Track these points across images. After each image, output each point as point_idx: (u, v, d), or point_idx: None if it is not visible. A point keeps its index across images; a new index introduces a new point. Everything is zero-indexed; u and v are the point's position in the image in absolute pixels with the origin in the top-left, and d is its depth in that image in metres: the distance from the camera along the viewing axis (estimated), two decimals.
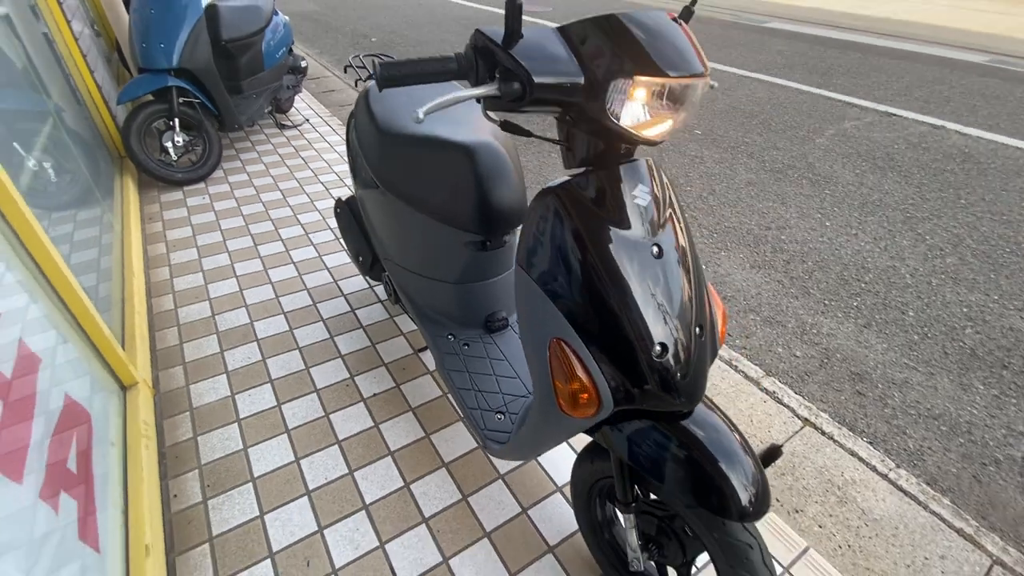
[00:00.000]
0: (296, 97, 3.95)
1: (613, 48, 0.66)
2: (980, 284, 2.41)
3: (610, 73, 0.66)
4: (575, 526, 1.26)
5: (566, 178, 0.79)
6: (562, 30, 0.70)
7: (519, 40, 0.66)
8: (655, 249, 0.77)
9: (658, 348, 0.76)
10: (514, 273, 0.84)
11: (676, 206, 0.84)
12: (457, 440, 1.46)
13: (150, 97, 2.62)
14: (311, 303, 1.95)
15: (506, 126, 0.78)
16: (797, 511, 1.50)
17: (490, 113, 0.72)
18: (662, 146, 3.76)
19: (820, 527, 1.47)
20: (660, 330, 0.76)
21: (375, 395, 1.58)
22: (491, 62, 0.68)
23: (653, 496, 1.03)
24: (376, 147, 1.31)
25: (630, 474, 0.92)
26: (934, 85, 5.07)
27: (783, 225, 2.86)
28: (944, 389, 1.91)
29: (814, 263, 2.56)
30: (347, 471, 1.36)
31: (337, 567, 1.15)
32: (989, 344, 2.09)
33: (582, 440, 1.49)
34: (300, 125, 3.67)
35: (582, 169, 0.79)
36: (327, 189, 2.81)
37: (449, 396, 1.59)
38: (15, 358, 0.95)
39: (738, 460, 0.78)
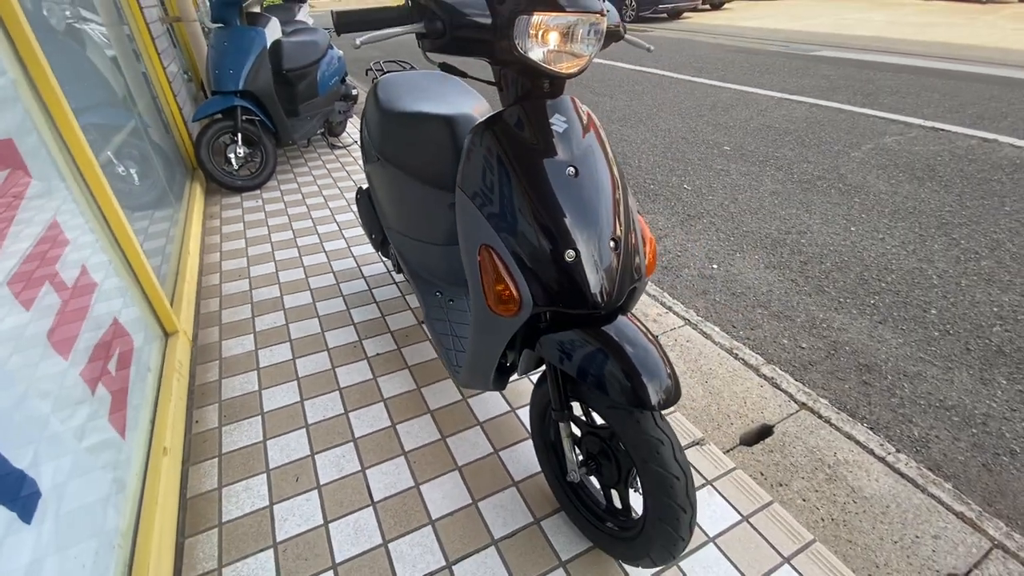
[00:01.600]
0: (347, 122, 4.38)
1: None
2: (1017, 286, 2.28)
3: (514, 12, 0.81)
4: (539, 467, 1.34)
5: (499, 111, 0.94)
6: None
7: None
8: (571, 170, 0.90)
9: (571, 253, 0.87)
10: (456, 196, 0.98)
11: (601, 140, 0.96)
12: (444, 392, 1.58)
13: (220, 116, 3.04)
14: (335, 283, 2.18)
15: (445, 67, 0.94)
16: (781, 485, 1.49)
17: (429, 55, 0.89)
18: (689, 161, 3.84)
19: (803, 500, 1.45)
20: (574, 239, 0.88)
21: (378, 355, 1.74)
22: (422, 10, 0.86)
23: (595, 417, 1.10)
24: (378, 126, 1.52)
25: (563, 384, 1.01)
26: (990, 102, 4.86)
27: (804, 230, 2.83)
28: (962, 383, 1.83)
29: (832, 264, 2.52)
30: (343, 411, 1.51)
31: (321, 483, 1.29)
32: (1020, 341, 1.98)
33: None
34: (349, 146, 4.06)
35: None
36: None
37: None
38: (77, 278, 1.19)
39: (648, 356, 0.86)
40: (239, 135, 3.03)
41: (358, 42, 0.79)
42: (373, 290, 2.12)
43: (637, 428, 0.89)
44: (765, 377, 1.87)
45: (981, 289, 2.28)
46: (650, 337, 0.91)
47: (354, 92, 4.03)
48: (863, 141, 4.04)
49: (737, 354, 1.98)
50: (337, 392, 1.58)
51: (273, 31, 3.30)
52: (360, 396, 1.56)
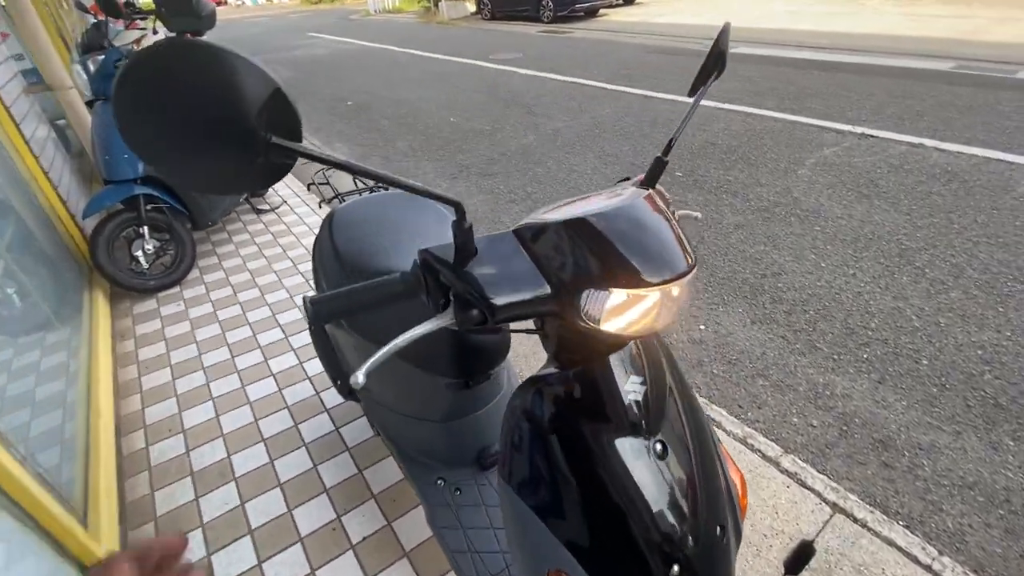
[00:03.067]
0: None
1: (580, 253, 0.57)
2: (990, 320, 2.32)
3: (579, 282, 0.56)
4: None
5: (549, 372, 0.69)
6: (518, 234, 0.62)
7: (473, 258, 0.57)
8: (658, 447, 0.67)
9: (676, 568, 0.64)
10: (497, 487, 0.73)
11: (676, 383, 0.73)
12: None
13: (119, 206, 2.54)
14: (292, 424, 1.83)
15: (472, 330, 0.68)
16: None
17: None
18: None
19: None
20: (673, 545, 0.65)
21: (364, 539, 1.44)
22: (439, 290, 0.59)
23: None
24: (339, 282, 1.21)
25: None
26: (905, 100, 5.12)
27: (778, 271, 2.77)
28: (973, 450, 1.79)
29: (816, 312, 2.47)
30: None
31: None
32: (1011, 390, 1.98)
33: None
34: (278, 208, 3.61)
35: (561, 364, 0.68)
36: (307, 280, 2.72)
37: None
38: None
39: None
40: (145, 227, 2.55)
41: (360, 377, 0.52)
42: (340, 429, 1.80)
43: None
44: (788, 473, 1.75)
45: (959, 328, 2.29)
46: None
47: None
48: (805, 155, 4.10)
49: (753, 444, 1.85)
50: None
51: None
52: None
